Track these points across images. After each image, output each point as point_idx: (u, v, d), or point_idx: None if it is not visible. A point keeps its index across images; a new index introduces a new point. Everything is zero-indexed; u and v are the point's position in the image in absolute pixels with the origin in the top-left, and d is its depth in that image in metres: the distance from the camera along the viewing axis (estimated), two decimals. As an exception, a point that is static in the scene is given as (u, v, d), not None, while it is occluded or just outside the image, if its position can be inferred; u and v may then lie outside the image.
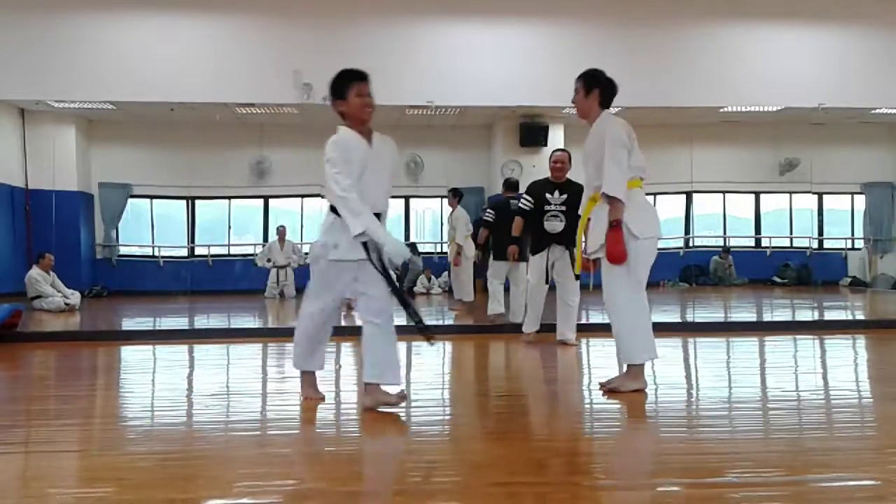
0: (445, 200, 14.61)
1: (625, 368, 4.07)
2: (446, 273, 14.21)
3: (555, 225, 5.87)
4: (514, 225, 6.33)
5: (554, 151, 6.18)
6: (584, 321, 7.04)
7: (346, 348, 6.08)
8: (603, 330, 6.94)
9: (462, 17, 12.09)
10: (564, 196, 5.88)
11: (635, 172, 4.01)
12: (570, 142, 13.60)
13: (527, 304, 6.28)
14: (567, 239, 5.81)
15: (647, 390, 3.98)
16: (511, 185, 7.96)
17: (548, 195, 5.93)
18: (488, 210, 7.64)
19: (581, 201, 5.80)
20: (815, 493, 2.39)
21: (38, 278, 9.85)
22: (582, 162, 4.15)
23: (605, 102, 4.07)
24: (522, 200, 6.16)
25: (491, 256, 7.61)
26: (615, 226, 3.86)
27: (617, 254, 3.87)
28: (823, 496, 2.39)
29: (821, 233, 15.86)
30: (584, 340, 6.21)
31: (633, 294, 3.98)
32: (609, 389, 4.02)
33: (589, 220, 4.11)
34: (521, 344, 6.22)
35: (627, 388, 3.95)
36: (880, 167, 15.42)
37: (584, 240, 4.18)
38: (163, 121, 13.52)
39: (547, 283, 6.02)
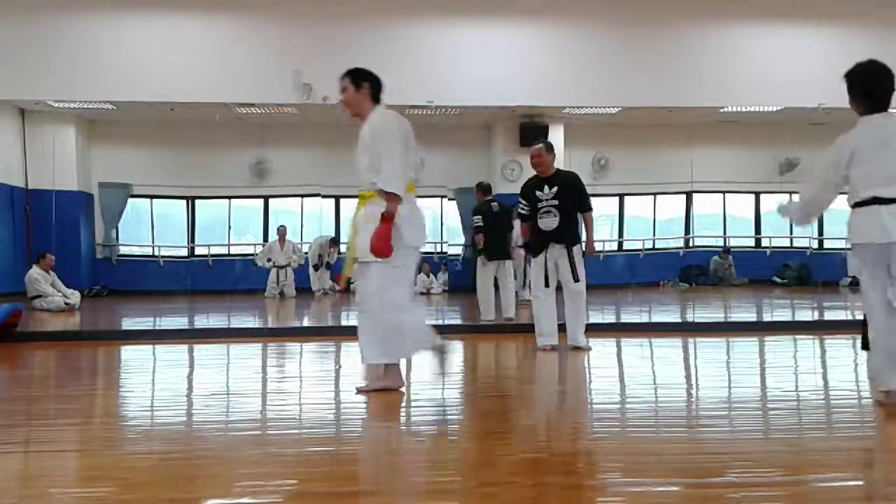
0: (445, 200, 14.74)
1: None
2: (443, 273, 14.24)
3: (549, 221, 5.62)
4: (521, 230, 6.20)
5: (531, 148, 5.95)
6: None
7: (346, 348, 6.08)
8: (602, 330, 6.98)
9: (462, 17, 12.09)
10: (555, 189, 5.64)
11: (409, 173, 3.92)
12: (571, 141, 13.64)
13: (535, 316, 5.87)
14: (565, 236, 5.64)
15: (402, 389, 3.98)
16: (485, 188, 8.27)
17: (538, 192, 5.70)
18: (476, 217, 7.99)
19: (573, 193, 5.78)
20: (815, 493, 2.39)
21: (38, 278, 9.86)
22: (355, 159, 3.97)
23: (376, 97, 3.98)
24: (519, 205, 5.94)
25: (479, 259, 8.01)
26: (386, 219, 3.72)
27: (380, 248, 3.72)
28: (823, 496, 2.39)
29: (821, 233, 15.86)
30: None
31: (383, 298, 3.83)
32: (360, 390, 3.97)
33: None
34: (525, 347, 6.21)
35: (374, 387, 3.93)
36: (880, 167, 15.39)
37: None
38: (163, 121, 13.52)
39: (548, 285, 5.72)
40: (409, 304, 3.94)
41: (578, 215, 5.80)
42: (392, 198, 3.73)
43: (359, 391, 3.97)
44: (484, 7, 12.07)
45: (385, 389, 3.93)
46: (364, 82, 3.95)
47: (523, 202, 5.88)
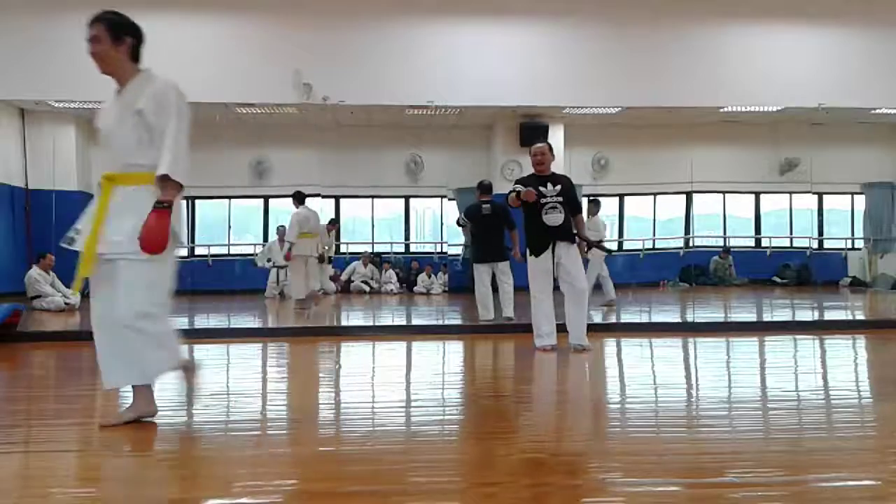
0: (445, 200, 14.74)
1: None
2: (443, 273, 14.23)
3: (555, 217, 5.60)
4: (511, 198, 5.65)
5: (533, 146, 5.91)
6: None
7: (346, 348, 6.08)
8: (602, 330, 6.98)
9: (462, 17, 12.09)
10: (558, 187, 5.68)
11: None
12: (571, 141, 13.64)
13: (533, 317, 5.82)
14: (569, 233, 5.67)
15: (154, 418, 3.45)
16: (485, 188, 7.97)
17: (541, 188, 5.65)
18: (462, 219, 8.04)
19: (572, 196, 5.78)
20: (815, 493, 2.39)
21: (38, 278, 9.86)
22: (106, 128, 3.33)
23: (137, 56, 3.37)
24: (515, 187, 5.70)
25: (472, 261, 8.02)
26: (166, 206, 3.11)
27: (157, 243, 3.09)
28: (823, 496, 2.39)
29: (821, 233, 15.87)
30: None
31: (158, 308, 3.26)
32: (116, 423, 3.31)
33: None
34: (524, 348, 6.20)
35: (125, 419, 3.31)
36: (880, 167, 15.43)
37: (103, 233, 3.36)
38: (163, 121, 13.50)
39: (552, 286, 5.69)
40: (166, 311, 3.32)
41: None
42: (174, 187, 3.15)
43: (103, 427, 3.27)
44: (483, 7, 12.08)
45: (137, 420, 3.33)
46: (126, 36, 3.31)
47: (522, 185, 5.66)
